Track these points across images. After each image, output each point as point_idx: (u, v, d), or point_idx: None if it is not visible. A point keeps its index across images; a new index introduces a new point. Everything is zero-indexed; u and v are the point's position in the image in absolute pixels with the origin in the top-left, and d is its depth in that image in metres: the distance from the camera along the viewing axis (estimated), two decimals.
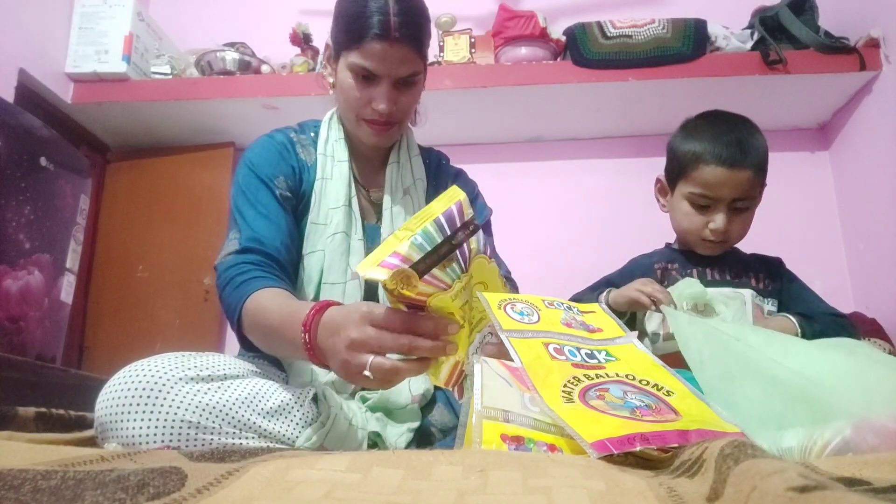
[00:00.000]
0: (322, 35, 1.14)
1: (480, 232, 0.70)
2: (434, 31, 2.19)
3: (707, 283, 1.22)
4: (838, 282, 2.17)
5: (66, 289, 1.63)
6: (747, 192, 1.19)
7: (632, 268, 1.30)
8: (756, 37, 2.07)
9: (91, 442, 0.86)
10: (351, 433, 0.92)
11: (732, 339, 0.86)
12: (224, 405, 0.83)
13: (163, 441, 0.79)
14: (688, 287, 1.14)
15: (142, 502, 0.42)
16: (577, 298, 1.27)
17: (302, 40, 2.24)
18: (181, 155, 2.36)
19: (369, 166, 1.16)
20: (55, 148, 1.62)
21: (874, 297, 2.00)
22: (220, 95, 2.12)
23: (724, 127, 1.21)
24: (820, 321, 1.15)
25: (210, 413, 0.81)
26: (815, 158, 2.34)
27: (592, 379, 0.73)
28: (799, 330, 1.14)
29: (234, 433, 0.83)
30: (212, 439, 0.81)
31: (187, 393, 0.81)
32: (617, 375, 0.75)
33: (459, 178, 1.24)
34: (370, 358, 0.70)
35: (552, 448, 0.66)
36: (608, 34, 2.06)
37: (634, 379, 0.75)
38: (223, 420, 0.82)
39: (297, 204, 1.08)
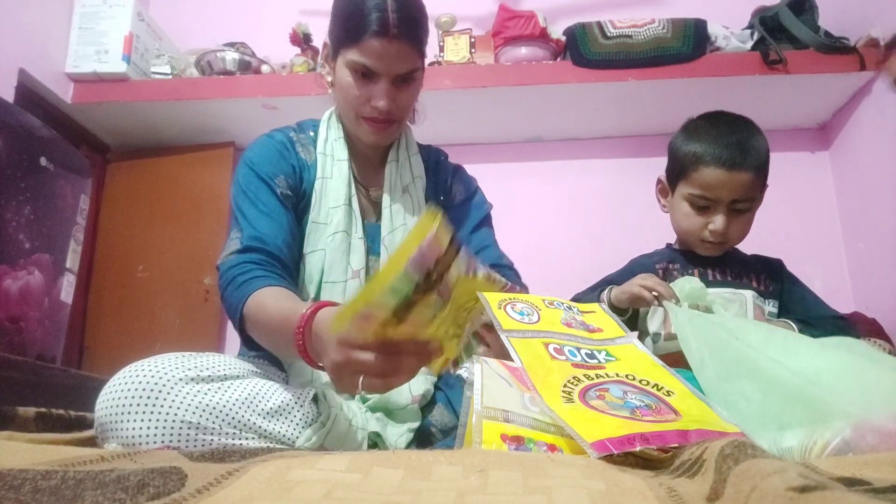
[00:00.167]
0: (322, 35, 1.14)
1: (463, 253, 0.68)
2: (434, 31, 2.19)
3: (708, 284, 1.22)
4: (838, 282, 2.17)
5: (66, 289, 1.63)
6: (747, 193, 1.18)
7: (632, 268, 1.30)
8: (756, 37, 2.07)
9: (91, 442, 0.86)
10: (351, 433, 0.92)
11: (732, 337, 0.86)
12: (224, 406, 0.83)
13: (163, 441, 0.79)
14: (687, 283, 1.14)
15: (142, 502, 0.42)
16: (578, 298, 1.27)
17: (302, 40, 2.24)
18: (181, 155, 2.36)
19: (369, 165, 1.17)
20: (55, 148, 1.62)
21: (874, 297, 2.00)
22: (220, 95, 2.12)
23: (725, 128, 1.21)
24: (820, 326, 1.15)
25: (210, 413, 0.81)
26: (815, 158, 2.34)
27: (592, 379, 0.73)
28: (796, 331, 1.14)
29: (234, 434, 0.83)
30: (212, 440, 0.81)
31: (187, 393, 0.81)
32: (617, 375, 0.75)
33: (458, 173, 1.24)
34: (359, 378, 0.70)
35: (552, 448, 0.66)
36: (608, 34, 2.06)
37: (634, 379, 0.75)
38: (223, 421, 0.82)
39: (297, 202, 1.08)
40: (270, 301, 0.89)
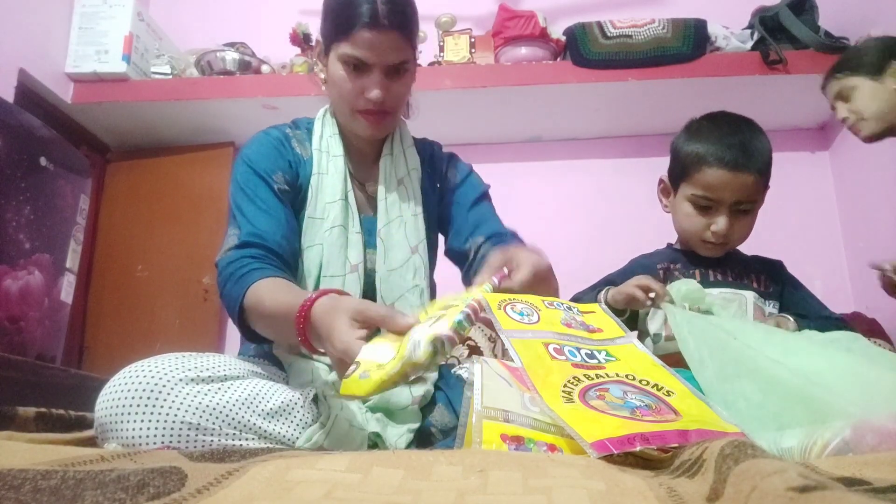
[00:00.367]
0: None
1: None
2: (434, 31, 2.20)
3: (708, 285, 1.22)
4: (838, 282, 2.17)
5: (66, 289, 1.63)
6: (750, 195, 1.18)
7: (633, 268, 1.30)
8: (756, 37, 2.07)
9: (91, 442, 0.86)
10: (351, 434, 0.92)
11: (730, 337, 0.86)
12: (224, 406, 0.83)
13: (163, 442, 0.79)
14: (684, 285, 1.14)
15: (142, 502, 0.42)
16: (578, 298, 1.27)
17: (302, 40, 2.24)
18: (181, 155, 2.36)
19: (364, 161, 1.17)
20: (55, 148, 1.62)
21: (874, 297, 2.00)
22: (220, 95, 2.12)
23: (728, 129, 1.20)
24: (820, 328, 1.14)
25: (210, 414, 0.81)
26: (815, 158, 2.34)
27: (592, 379, 0.73)
28: (795, 327, 1.14)
29: (234, 434, 0.83)
30: (212, 440, 0.81)
31: (187, 394, 0.81)
32: (617, 375, 0.75)
33: (452, 160, 1.25)
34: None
35: (552, 448, 0.66)
36: (608, 34, 2.06)
37: (634, 379, 0.75)
38: (223, 421, 0.82)
39: (294, 197, 1.09)
40: (270, 291, 0.90)
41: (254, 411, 0.85)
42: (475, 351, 1.71)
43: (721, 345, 0.86)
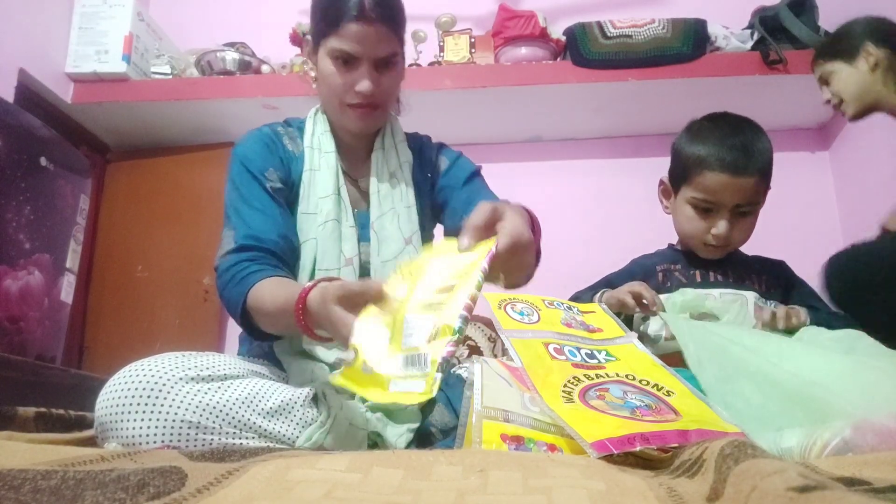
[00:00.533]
0: None
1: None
2: (434, 31, 2.20)
3: (709, 285, 1.22)
4: None
5: (66, 289, 1.63)
6: (751, 197, 1.18)
7: (633, 268, 1.30)
8: (756, 37, 2.07)
9: (91, 442, 0.86)
10: (351, 433, 0.92)
11: (729, 341, 0.86)
12: (224, 405, 0.83)
13: (163, 441, 0.79)
14: (680, 296, 1.14)
15: (142, 502, 0.42)
16: (576, 298, 1.27)
17: (302, 40, 2.23)
18: (181, 155, 2.36)
19: (356, 157, 1.18)
20: (55, 148, 1.62)
21: None
22: (220, 95, 2.12)
23: (729, 131, 1.20)
24: (827, 319, 1.14)
25: (210, 413, 0.82)
26: (815, 158, 2.34)
27: (592, 379, 0.73)
28: (808, 318, 1.12)
29: (234, 433, 0.83)
30: (212, 439, 0.81)
31: (187, 393, 0.81)
32: (617, 375, 0.75)
33: (442, 148, 1.25)
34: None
35: (552, 448, 0.66)
36: (608, 34, 2.06)
37: (634, 379, 0.75)
38: (223, 420, 0.82)
39: (287, 194, 1.10)
40: (270, 291, 0.92)
41: (254, 410, 0.85)
42: (475, 351, 1.72)
43: (720, 348, 0.87)
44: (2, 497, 0.41)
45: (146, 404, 0.79)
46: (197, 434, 0.80)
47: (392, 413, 1.00)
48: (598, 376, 0.74)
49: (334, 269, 1.05)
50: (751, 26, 2.12)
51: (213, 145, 2.35)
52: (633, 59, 2.03)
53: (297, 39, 2.23)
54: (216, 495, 0.44)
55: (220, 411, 0.82)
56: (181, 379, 0.82)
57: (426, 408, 1.04)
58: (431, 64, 2.18)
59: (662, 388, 0.74)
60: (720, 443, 0.51)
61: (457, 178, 1.19)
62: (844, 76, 1.50)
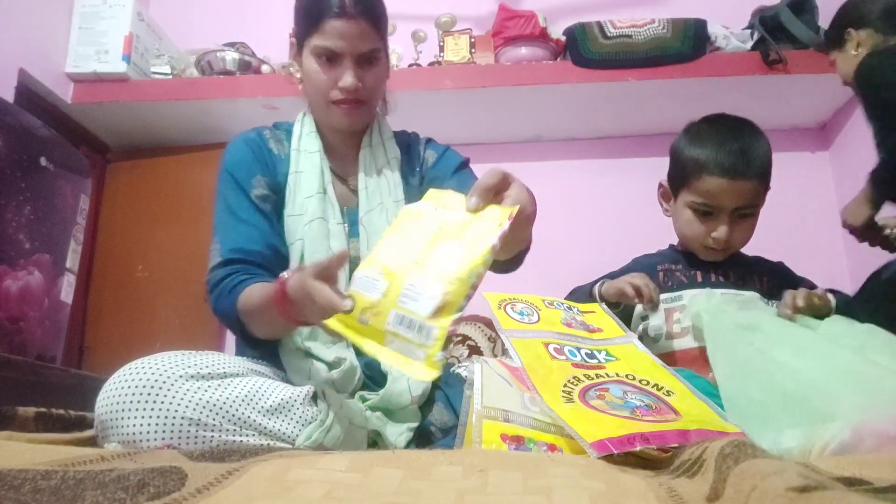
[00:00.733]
0: None
1: None
2: (434, 31, 2.20)
3: (710, 286, 1.22)
4: (838, 282, 2.16)
5: (66, 289, 1.63)
6: (751, 200, 1.18)
7: (635, 267, 1.30)
8: (756, 37, 2.07)
9: (91, 442, 0.86)
10: (351, 431, 0.92)
11: (744, 341, 0.87)
12: (224, 402, 0.83)
13: (163, 438, 0.79)
14: (707, 299, 1.13)
15: (142, 502, 0.42)
16: (575, 290, 1.27)
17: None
18: (181, 155, 2.36)
19: (345, 156, 1.18)
20: (55, 148, 1.62)
21: None
22: (220, 95, 2.12)
23: (728, 134, 1.20)
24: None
25: (210, 410, 0.82)
26: (815, 158, 2.34)
27: (592, 379, 0.73)
28: (832, 300, 1.12)
29: (234, 430, 0.83)
30: (212, 436, 0.81)
31: (188, 390, 0.81)
32: (617, 375, 0.75)
33: (430, 142, 1.26)
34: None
35: (552, 448, 0.66)
36: (608, 34, 2.06)
37: (634, 379, 0.75)
38: (223, 417, 0.82)
39: (275, 199, 1.11)
40: (256, 290, 0.94)
41: (254, 408, 0.85)
42: (475, 351, 1.71)
43: (731, 346, 0.88)
44: (2, 497, 0.41)
45: (146, 401, 0.79)
46: (197, 431, 0.80)
47: (392, 412, 1.00)
48: (598, 376, 0.74)
49: None
50: (751, 26, 2.12)
51: (214, 145, 2.35)
52: (632, 59, 2.03)
53: None
54: (216, 495, 0.44)
55: (221, 408, 0.83)
56: (181, 376, 0.82)
57: (425, 407, 1.04)
58: (431, 64, 2.18)
59: (662, 388, 0.74)
60: (720, 443, 0.51)
61: (445, 170, 1.20)
62: (841, 63, 1.59)
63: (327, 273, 0.76)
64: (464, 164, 1.23)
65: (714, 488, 0.44)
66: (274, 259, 1.04)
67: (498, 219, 0.72)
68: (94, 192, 2.21)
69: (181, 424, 0.80)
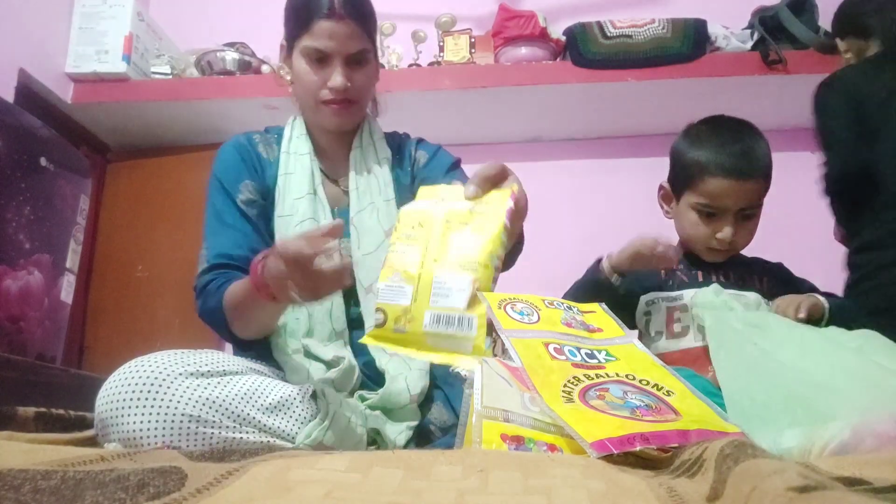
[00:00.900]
0: None
1: None
2: (434, 31, 2.20)
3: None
4: (838, 282, 2.16)
5: (66, 289, 1.63)
6: (754, 201, 1.19)
7: None
8: (756, 37, 2.07)
9: (91, 442, 0.86)
10: (350, 430, 0.92)
11: (749, 341, 0.87)
12: (224, 399, 0.83)
13: (163, 435, 0.79)
14: (714, 295, 1.13)
15: (142, 502, 0.42)
16: (576, 283, 1.27)
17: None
18: (181, 155, 2.36)
19: (336, 158, 1.19)
20: (55, 148, 1.62)
21: None
22: (220, 95, 2.12)
23: (730, 136, 1.20)
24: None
25: (210, 407, 0.82)
26: (815, 158, 2.33)
27: (592, 379, 0.73)
28: (826, 306, 1.12)
29: (234, 427, 0.83)
30: (212, 433, 0.81)
31: (188, 387, 0.82)
32: (617, 375, 0.75)
33: (421, 142, 1.27)
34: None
35: (552, 448, 0.66)
36: (608, 34, 2.06)
37: (634, 379, 0.75)
38: (223, 414, 0.83)
39: (264, 202, 1.12)
40: (238, 284, 0.96)
41: (253, 405, 0.86)
42: None
43: (737, 346, 0.88)
44: (2, 497, 0.41)
45: (146, 399, 0.79)
46: (197, 428, 0.81)
47: (391, 411, 1.00)
48: (598, 376, 0.74)
49: None
50: (751, 26, 2.12)
51: (214, 145, 2.32)
52: (633, 59, 2.03)
53: None
54: (216, 495, 0.44)
55: (220, 405, 0.83)
56: (181, 374, 0.82)
57: (424, 405, 1.04)
58: (431, 64, 2.18)
59: (662, 388, 0.74)
60: (720, 443, 0.51)
61: (437, 170, 1.21)
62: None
63: (304, 242, 0.77)
64: (455, 164, 1.23)
65: (714, 488, 0.44)
66: None
67: (501, 199, 0.73)
68: (94, 192, 2.21)
69: (181, 421, 0.80)
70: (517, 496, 0.44)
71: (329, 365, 1.01)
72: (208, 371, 0.86)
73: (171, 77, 2.17)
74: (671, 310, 1.19)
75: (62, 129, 2.04)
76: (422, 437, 1.01)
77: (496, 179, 0.79)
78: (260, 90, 2.11)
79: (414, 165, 1.23)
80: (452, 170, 1.21)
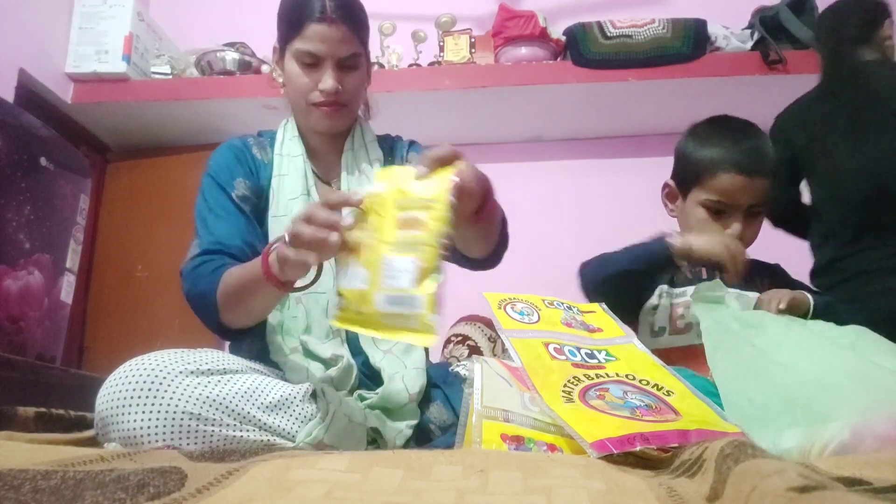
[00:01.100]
0: None
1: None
2: (434, 31, 2.20)
3: None
4: None
5: (66, 289, 1.63)
6: (764, 198, 1.20)
7: None
8: (756, 37, 2.07)
9: (91, 442, 0.86)
10: (350, 429, 0.93)
11: (746, 342, 0.87)
12: (224, 398, 0.84)
13: (164, 433, 0.79)
14: (710, 290, 1.13)
15: (142, 502, 0.42)
16: (594, 265, 1.26)
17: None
18: (181, 155, 2.36)
19: (328, 160, 1.20)
20: (55, 148, 1.62)
21: None
22: (220, 95, 2.12)
23: (740, 133, 1.22)
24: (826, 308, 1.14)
25: (210, 405, 0.82)
26: None
27: (592, 379, 0.73)
28: (811, 302, 1.13)
29: (234, 425, 0.83)
30: (212, 431, 0.82)
31: (188, 386, 0.82)
32: (617, 375, 0.75)
33: (413, 144, 1.28)
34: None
35: (552, 448, 0.66)
36: (608, 34, 2.06)
37: (634, 379, 0.75)
38: (223, 412, 0.83)
39: (257, 202, 1.12)
40: (238, 268, 0.96)
41: (253, 404, 0.86)
42: (475, 351, 1.71)
43: (734, 346, 0.87)
44: (2, 497, 0.41)
45: (146, 397, 0.80)
46: (198, 426, 0.81)
47: (390, 410, 1.01)
48: (598, 376, 0.74)
49: None
50: (751, 26, 2.12)
51: (214, 145, 2.30)
52: (633, 59, 2.03)
53: None
54: (216, 495, 0.44)
55: (221, 403, 0.83)
56: (181, 372, 0.83)
57: (423, 405, 1.04)
58: (431, 64, 2.18)
59: (662, 388, 0.74)
60: (720, 443, 0.51)
61: None
62: None
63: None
64: None
65: (714, 488, 0.44)
66: (252, 256, 1.05)
67: (445, 179, 0.75)
68: (94, 192, 2.21)
69: (181, 419, 0.80)
70: (517, 496, 0.44)
71: (327, 364, 1.02)
72: (209, 369, 0.86)
73: (171, 77, 2.17)
74: (675, 306, 1.19)
75: (62, 129, 2.04)
76: (421, 436, 1.01)
77: (445, 160, 0.80)
78: (260, 90, 2.11)
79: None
80: None
